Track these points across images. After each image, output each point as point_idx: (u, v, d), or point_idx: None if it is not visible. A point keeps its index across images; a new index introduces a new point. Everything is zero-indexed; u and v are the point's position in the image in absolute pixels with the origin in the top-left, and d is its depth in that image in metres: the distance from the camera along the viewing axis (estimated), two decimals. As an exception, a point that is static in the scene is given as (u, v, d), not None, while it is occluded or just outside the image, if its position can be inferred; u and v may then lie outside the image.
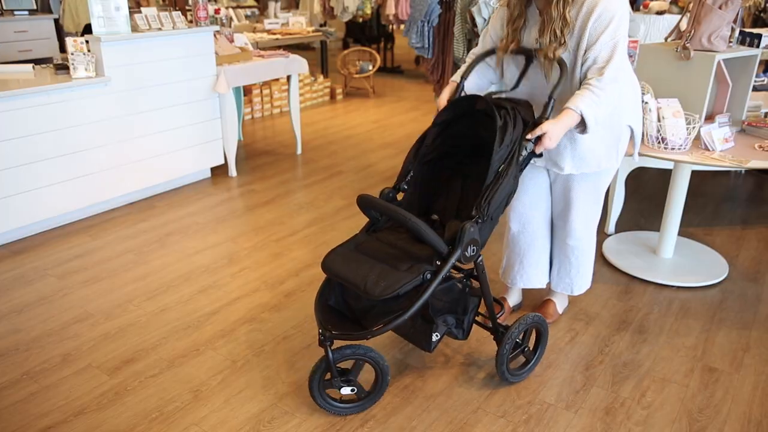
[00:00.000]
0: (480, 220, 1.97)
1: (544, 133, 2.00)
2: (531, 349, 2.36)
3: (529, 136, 2.00)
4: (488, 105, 2.02)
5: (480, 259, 2.07)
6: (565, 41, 2.07)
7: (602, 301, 2.88)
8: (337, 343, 2.03)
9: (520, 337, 2.27)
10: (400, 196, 2.24)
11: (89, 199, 3.74)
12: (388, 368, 2.14)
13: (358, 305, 2.10)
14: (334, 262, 2.04)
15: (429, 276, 1.93)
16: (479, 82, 2.35)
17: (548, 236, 2.61)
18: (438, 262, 1.95)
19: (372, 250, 2.07)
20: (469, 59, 2.35)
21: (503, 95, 2.25)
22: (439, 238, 1.94)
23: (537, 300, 2.84)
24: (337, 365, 2.08)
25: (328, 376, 2.09)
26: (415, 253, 2.00)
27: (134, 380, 2.34)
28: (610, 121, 2.23)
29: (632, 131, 2.35)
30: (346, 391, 2.12)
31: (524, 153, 2.03)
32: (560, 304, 2.74)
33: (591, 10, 2.02)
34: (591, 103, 2.00)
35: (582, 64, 2.08)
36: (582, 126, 2.05)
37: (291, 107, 5.06)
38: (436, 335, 2.11)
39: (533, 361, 2.37)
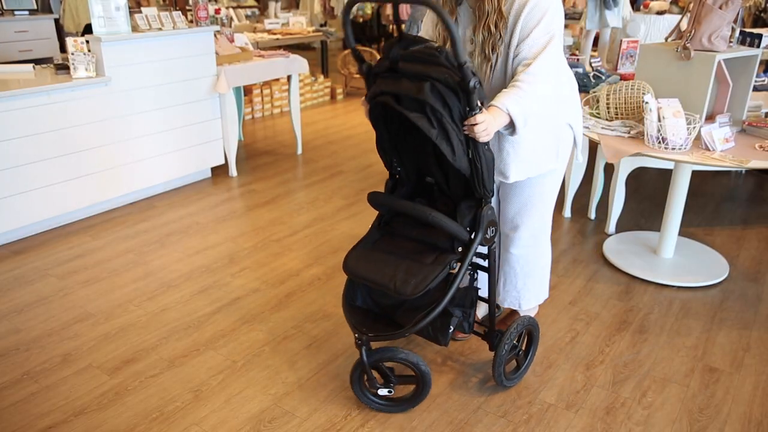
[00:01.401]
0: (487, 201, 1.96)
1: (477, 123, 1.80)
2: (523, 352, 2.34)
3: (466, 123, 1.80)
4: (408, 114, 1.80)
5: (493, 245, 2.07)
6: (501, 36, 1.99)
7: (602, 301, 2.88)
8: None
9: (516, 339, 2.26)
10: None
11: (89, 199, 3.74)
12: (428, 370, 2.11)
13: (386, 302, 2.09)
14: (357, 264, 2.02)
15: (455, 265, 1.93)
16: None
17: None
18: (460, 249, 1.95)
19: (391, 246, 2.05)
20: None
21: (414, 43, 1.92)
22: (459, 226, 1.93)
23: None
24: (379, 364, 2.08)
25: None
26: (435, 243, 1.99)
27: (134, 380, 2.34)
28: (549, 120, 2.14)
29: (573, 132, 2.23)
30: (383, 392, 2.12)
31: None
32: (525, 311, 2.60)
33: (523, 4, 1.94)
34: (517, 99, 1.87)
35: (513, 59, 2.00)
36: (512, 126, 1.93)
37: (291, 107, 5.06)
38: (451, 328, 2.11)
39: (525, 364, 2.34)
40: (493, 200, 2.40)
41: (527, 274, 2.43)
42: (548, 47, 1.93)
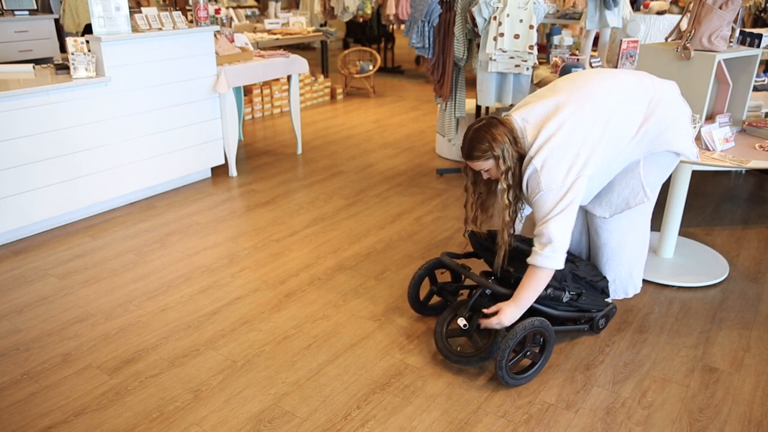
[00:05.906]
0: None
1: (498, 311, 2.26)
2: (535, 354, 2.34)
3: (486, 311, 2.29)
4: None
5: None
6: (515, 205, 2.30)
7: (602, 301, 2.88)
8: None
9: (526, 340, 2.27)
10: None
11: (89, 199, 3.74)
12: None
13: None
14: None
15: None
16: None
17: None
18: None
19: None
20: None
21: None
22: None
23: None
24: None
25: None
26: None
27: (134, 380, 2.34)
28: (625, 172, 2.31)
29: (682, 153, 2.33)
30: (462, 321, 2.40)
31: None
32: None
33: (527, 178, 2.19)
34: (544, 256, 2.18)
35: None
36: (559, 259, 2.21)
37: (291, 107, 5.06)
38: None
39: (536, 367, 2.34)
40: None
41: (611, 267, 2.57)
42: (554, 210, 2.15)
